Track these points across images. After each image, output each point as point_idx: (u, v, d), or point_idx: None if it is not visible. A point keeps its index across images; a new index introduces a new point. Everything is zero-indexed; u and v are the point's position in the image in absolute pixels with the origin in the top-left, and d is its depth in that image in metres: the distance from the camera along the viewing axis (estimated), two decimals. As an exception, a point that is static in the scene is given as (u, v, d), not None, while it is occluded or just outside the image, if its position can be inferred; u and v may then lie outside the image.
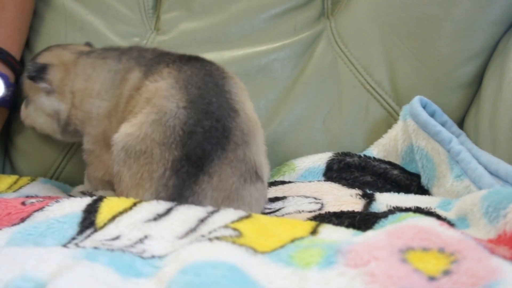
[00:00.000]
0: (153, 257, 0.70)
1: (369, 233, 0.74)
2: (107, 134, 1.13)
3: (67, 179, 1.47)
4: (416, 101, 1.24)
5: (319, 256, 0.66)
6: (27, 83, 1.26)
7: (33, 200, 0.90)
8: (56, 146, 1.47)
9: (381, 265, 0.62)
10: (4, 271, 0.64)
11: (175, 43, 1.49)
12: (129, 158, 0.96)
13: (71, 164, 1.47)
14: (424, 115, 1.20)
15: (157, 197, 0.91)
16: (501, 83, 1.23)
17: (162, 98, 1.00)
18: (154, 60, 1.14)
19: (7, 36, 1.37)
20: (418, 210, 0.97)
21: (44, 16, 1.52)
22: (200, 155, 0.94)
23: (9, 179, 1.40)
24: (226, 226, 0.74)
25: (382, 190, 1.16)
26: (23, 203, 0.87)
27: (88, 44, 1.36)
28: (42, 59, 1.25)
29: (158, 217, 0.81)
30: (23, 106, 1.33)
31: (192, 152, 0.94)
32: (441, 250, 0.67)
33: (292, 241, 0.73)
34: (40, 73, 1.20)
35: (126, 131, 0.99)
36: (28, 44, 1.53)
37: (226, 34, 1.49)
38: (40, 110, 1.26)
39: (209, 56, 1.46)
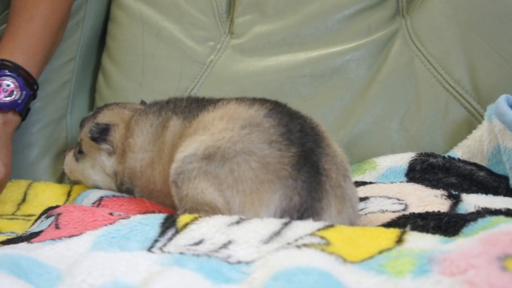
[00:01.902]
0: (239, 262, 0.70)
1: (461, 241, 0.71)
2: (150, 181, 1.14)
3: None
4: (502, 100, 1.19)
5: (412, 265, 0.64)
6: (87, 141, 1.25)
7: (121, 213, 0.92)
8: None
9: (480, 274, 0.60)
10: (95, 276, 0.65)
11: (249, 47, 1.50)
12: (220, 165, 0.88)
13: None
14: (511, 115, 1.16)
15: (290, 203, 0.85)
16: None
17: (232, 114, 0.96)
18: (191, 106, 1.12)
19: (29, 48, 1.35)
20: (509, 212, 0.93)
21: (122, 23, 1.56)
22: (309, 152, 0.89)
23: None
24: (313, 234, 0.74)
25: (467, 192, 1.11)
26: (111, 214, 0.89)
27: (142, 102, 1.36)
28: (104, 119, 1.25)
29: (241, 220, 0.81)
30: (71, 158, 1.33)
31: (303, 148, 0.88)
32: (541, 257, 0.64)
33: (380, 252, 0.71)
34: (103, 134, 1.20)
35: (193, 146, 0.94)
36: (108, 50, 1.58)
37: (300, 36, 1.49)
38: (99, 169, 1.26)
39: (283, 58, 1.48)
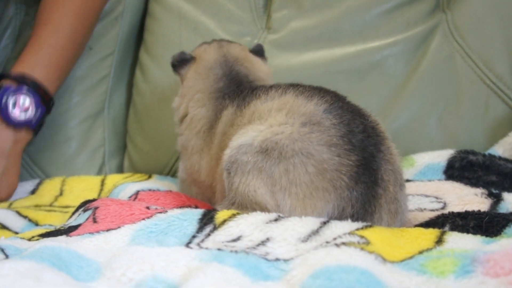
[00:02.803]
0: (277, 260, 0.69)
1: (505, 241, 0.70)
2: (195, 168, 1.14)
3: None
4: None
5: (454, 265, 0.63)
6: None
7: (158, 207, 0.93)
8: (172, 143, 1.51)
9: (525, 276, 0.59)
10: (135, 270, 0.66)
11: (286, 42, 1.49)
12: (276, 163, 0.85)
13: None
14: None
15: (341, 213, 0.83)
16: None
17: (290, 106, 0.92)
18: (243, 93, 1.08)
19: (51, 63, 1.35)
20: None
21: (159, 18, 1.57)
22: (370, 159, 0.85)
23: (123, 175, 1.46)
24: (352, 233, 0.73)
25: (509, 190, 1.09)
26: (147, 207, 0.89)
27: None
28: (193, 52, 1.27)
29: (279, 217, 0.80)
30: None
31: (363, 155, 0.84)
32: None
33: (420, 252, 0.70)
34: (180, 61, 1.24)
35: (250, 135, 0.91)
36: (145, 45, 1.59)
37: (337, 31, 1.47)
38: None
39: (320, 53, 1.47)
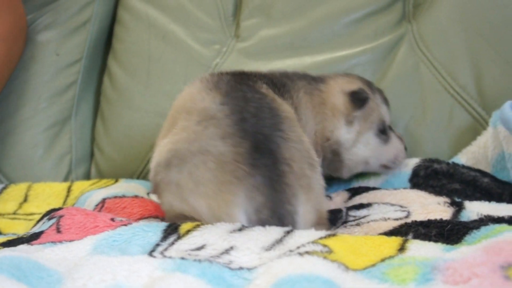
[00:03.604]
0: (241, 268, 0.69)
1: (464, 249, 0.71)
2: None
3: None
4: (507, 107, 1.19)
5: (415, 273, 0.64)
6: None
7: (123, 219, 0.92)
8: (141, 150, 1.51)
9: (484, 283, 0.60)
10: (96, 281, 0.65)
11: (255, 50, 1.50)
12: (179, 170, 0.86)
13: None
14: None
15: (255, 201, 0.83)
16: None
17: (190, 105, 0.94)
18: None
19: None
20: (512, 219, 0.93)
21: (128, 25, 1.57)
22: (265, 140, 0.86)
23: (90, 182, 1.45)
24: (315, 242, 0.74)
25: (471, 198, 1.11)
26: (112, 219, 0.89)
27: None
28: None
29: (243, 227, 0.81)
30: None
31: (257, 138, 0.85)
32: (545, 266, 0.64)
33: (383, 260, 0.71)
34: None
35: (159, 151, 0.92)
36: (114, 52, 1.58)
37: (307, 40, 1.48)
38: None
39: (289, 62, 1.48)
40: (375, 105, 1.20)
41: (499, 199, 1.15)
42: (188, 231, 0.80)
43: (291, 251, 0.72)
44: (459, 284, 0.61)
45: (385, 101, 1.25)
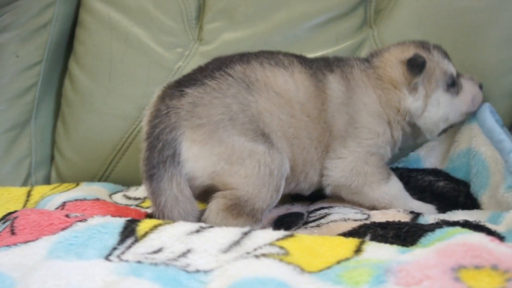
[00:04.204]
0: (198, 271, 0.70)
1: (418, 251, 0.72)
2: None
3: (118, 179, 1.49)
4: (486, 108, 1.23)
5: (369, 275, 0.65)
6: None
7: (78, 214, 0.91)
8: (102, 153, 1.50)
9: (434, 284, 0.61)
10: (50, 286, 0.64)
11: (218, 53, 1.47)
12: None
13: (122, 163, 1.50)
14: (491, 122, 1.19)
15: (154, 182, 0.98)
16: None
17: None
18: None
19: None
20: (466, 223, 0.95)
21: (90, 27, 1.55)
22: (157, 136, 1.00)
23: (50, 186, 1.43)
24: (272, 244, 0.74)
25: (428, 203, 1.15)
26: (67, 216, 0.88)
27: None
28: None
29: (201, 229, 0.81)
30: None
31: (152, 137, 1.01)
32: (494, 268, 0.65)
33: (338, 262, 0.72)
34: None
35: None
36: (75, 55, 1.56)
37: (269, 44, 1.49)
38: None
39: (251, 66, 1.48)
40: (435, 63, 1.19)
41: (455, 202, 1.17)
42: (145, 233, 0.79)
43: (248, 253, 0.72)
44: (411, 286, 0.62)
45: (446, 54, 1.23)
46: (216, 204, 1.00)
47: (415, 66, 1.15)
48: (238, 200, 1.00)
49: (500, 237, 0.91)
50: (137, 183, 1.36)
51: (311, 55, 1.46)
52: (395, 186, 1.16)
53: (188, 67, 1.50)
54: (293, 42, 1.49)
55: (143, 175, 1.01)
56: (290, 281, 0.63)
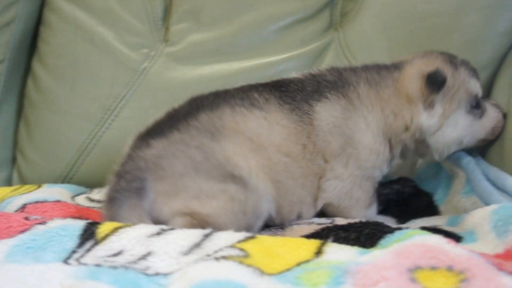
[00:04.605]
0: (157, 274, 0.69)
1: (376, 252, 0.73)
2: None
3: (81, 181, 1.47)
4: None
5: (327, 277, 0.66)
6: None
7: (38, 216, 0.90)
8: (66, 155, 1.48)
9: (391, 285, 0.62)
10: (6, 290, 0.64)
11: (184, 55, 1.50)
12: None
13: (86, 164, 1.48)
14: None
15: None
16: (510, 94, 1.23)
17: None
18: None
19: None
20: (424, 228, 0.97)
21: (54, 26, 1.53)
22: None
23: (11, 188, 1.40)
24: (232, 246, 0.74)
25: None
26: (26, 218, 0.87)
27: None
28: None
29: (162, 231, 0.81)
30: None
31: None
32: (450, 269, 0.67)
33: (298, 264, 0.73)
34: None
35: None
36: (38, 54, 1.54)
37: (235, 46, 1.50)
38: None
39: (218, 67, 1.48)
40: (460, 81, 1.13)
41: (417, 209, 1.20)
42: (106, 236, 0.79)
43: (208, 255, 0.72)
44: (368, 287, 0.63)
45: (474, 72, 1.17)
46: (182, 221, 0.97)
47: (435, 82, 1.09)
48: (206, 224, 0.95)
49: (458, 237, 0.93)
50: (101, 185, 1.34)
51: (277, 57, 1.48)
52: (373, 210, 1.15)
53: (154, 68, 1.49)
54: (259, 44, 1.49)
55: (104, 197, 0.99)
56: (249, 284, 0.63)
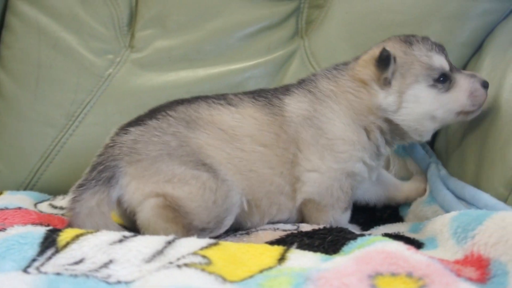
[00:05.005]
0: (119, 282, 0.69)
1: (338, 259, 0.74)
2: None
3: (45, 187, 1.45)
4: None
5: (289, 284, 0.66)
6: None
7: (-2, 223, 0.89)
8: (29, 161, 1.46)
9: (351, 292, 0.63)
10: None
11: (149, 61, 1.49)
12: None
13: (49, 171, 1.46)
14: (421, 153, 1.27)
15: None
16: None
17: None
18: None
19: None
20: (386, 235, 0.98)
21: (17, 31, 1.51)
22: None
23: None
24: (195, 253, 0.74)
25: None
26: (-15, 226, 0.85)
27: None
28: None
29: (124, 238, 0.80)
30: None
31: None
32: (409, 275, 0.68)
33: (261, 271, 0.73)
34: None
35: None
36: (0, 59, 1.52)
37: (201, 52, 1.50)
38: None
39: (183, 74, 1.48)
40: (414, 57, 1.14)
41: (381, 217, 1.22)
42: (67, 244, 0.78)
43: (171, 262, 0.72)
44: (328, 294, 0.63)
45: (436, 47, 1.16)
46: (156, 200, 1.01)
47: (381, 61, 1.12)
48: (178, 206, 1.01)
49: (419, 243, 0.94)
50: (64, 192, 1.33)
51: (243, 64, 1.49)
52: (348, 215, 1.17)
53: (119, 74, 1.48)
54: (225, 51, 1.50)
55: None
56: (211, 291, 0.63)
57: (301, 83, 1.19)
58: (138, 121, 1.11)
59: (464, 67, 1.37)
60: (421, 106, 1.13)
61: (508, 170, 1.09)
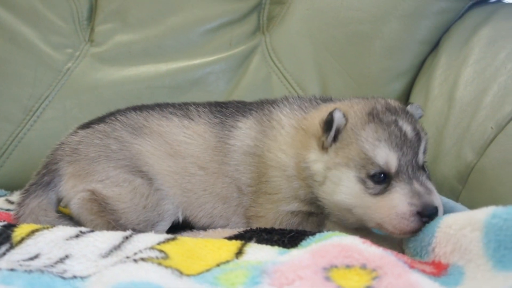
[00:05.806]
0: (74, 277, 0.69)
1: (294, 252, 0.75)
2: None
3: (1, 183, 1.43)
4: None
5: (245, 277, 0.67)
6: None
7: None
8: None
9: (305, 284, 0.64)
10: None
11: (109, 55, 1.48)
12: None
13: (6, 167, 1.44)
14: None
15: None
16: (426, 100, 1.28)
17: None
18: None
19: None
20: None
21: (-30, 25, 1.48)
22: None
23: None
24: (152, 248, 0.74)
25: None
26: None
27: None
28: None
29: (81, 233, 0.80)
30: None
31: None
32: (363, 267, 0.69)
33: (218, 265, 0.73)
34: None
35: None
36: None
37: (162, 47, 1.49)
38: None
39: (144, 69, 1.47)
40: (357, 137, 0.97)
41: None
42: (22, 239, 0.77)
43: (128, 257, 0.72)
44: (284, 286, 0.64)
45: (400, 140, 0.96)
46: (83, 194, 1.05)
47: (325, 123, 0.98)
48: (105, 203, 1.03)
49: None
50: (22, 188, 1.31)
51: (203, 59, 1.49)
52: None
53: (78, 68, 1.47)
54: (186, 46, 1.49)
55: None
56: (167, 284, 0.64)
57: (265, 104, 1.13)
58: (91, 124, 1.13)
59: (422, 64, 1.39)
60: (341, 195, 0.97)
61: (462, 166, 1.11)
